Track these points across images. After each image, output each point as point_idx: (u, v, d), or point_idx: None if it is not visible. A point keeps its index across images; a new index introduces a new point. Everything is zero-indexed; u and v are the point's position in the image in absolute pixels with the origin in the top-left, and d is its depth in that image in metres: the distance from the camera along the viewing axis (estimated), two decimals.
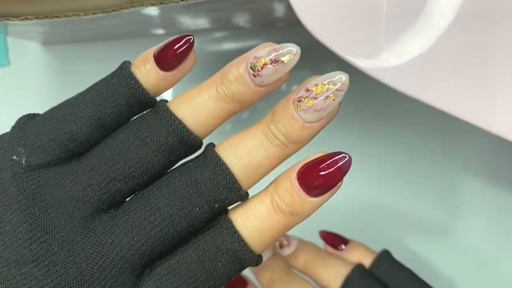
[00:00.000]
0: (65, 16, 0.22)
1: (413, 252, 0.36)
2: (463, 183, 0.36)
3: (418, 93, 0.22)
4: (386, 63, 0.22)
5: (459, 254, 0.36)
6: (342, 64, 0.22)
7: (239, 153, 0.18)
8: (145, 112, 0.20)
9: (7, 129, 0.20)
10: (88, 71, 0.37)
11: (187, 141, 0.19)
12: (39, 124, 0.19)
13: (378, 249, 0.36)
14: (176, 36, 0.19)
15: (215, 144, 0.19)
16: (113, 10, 0.22)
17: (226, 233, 0.18)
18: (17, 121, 0.20)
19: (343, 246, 0.29)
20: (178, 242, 0.19)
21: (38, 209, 0.18)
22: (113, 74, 0.20)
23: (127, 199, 0.19)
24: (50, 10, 0.22)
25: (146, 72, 0.19)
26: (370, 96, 0.36)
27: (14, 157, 0.18)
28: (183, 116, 0.19)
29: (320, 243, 0.30)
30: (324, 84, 0.18)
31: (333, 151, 0.18)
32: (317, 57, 0.36)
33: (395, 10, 0.21)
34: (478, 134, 0.36)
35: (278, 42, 0.19)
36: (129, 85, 0.19)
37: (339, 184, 0.18)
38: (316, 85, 0.18)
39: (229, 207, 0.19)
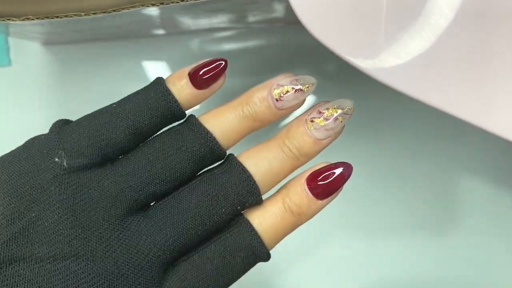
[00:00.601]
0: (65, 16, 0.22)
1: (413, 252, 0.36)
2: (463, 183, 0.36)
3: (417, 93, 0.22)
4: (385, 63, 0.22)
5: (459, 254, 0.36)
6: (342, 64, 0.22)
7: (259, 163, 0.21)
8: (177, 124, 0.22)
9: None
10: (89, 71, 0.37)
11: (215, 151, 0.21)
12: (78, 130, 0.21)
13: (378, 249, 0.36)
14: (211, 59, 0.22)
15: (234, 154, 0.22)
16: (114, 10, 0.22)
17: (245, 231, 0.21)
18: (52, 126, 0.22)
19: None
20: (202, 239, 0.21)
21: (79, 208, 0.20)
22: (149, 88, 0.22)
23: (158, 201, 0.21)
24: (51, 10, 0.22)
25: (181, 89, 0.21)
26: (370, 96, 0.36)
27: (56, 159, 0.20)
28: (212, 129, 0.21)
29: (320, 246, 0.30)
30: (334, 108, 0.21)
31: (335, 156, 0.21)
32: (317, 57, 0.36)
33: (395, 10, 0.22)
34: (478, 134, 0.36)
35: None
36: (166, 100, 0.21)
37: (341, 188, 0.21)
38: (328, 108, 0.21)
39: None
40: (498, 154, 0.36)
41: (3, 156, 0.21)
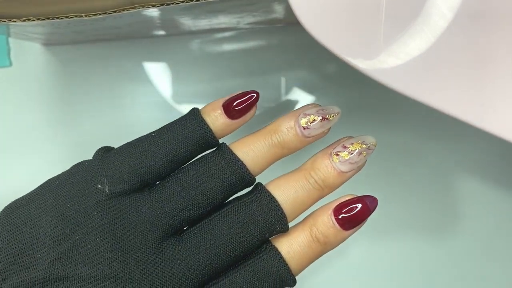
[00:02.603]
0: (66, 17, 0.23)
1: (412, 252, 0.36)
2: (462, 183, 0.36)
3: (417, 94, 0.22)
4: (385, 63, 0.22)
5: (459, 254, 0.36)
6: (341, 65, 0.22)
7: (287, 193, 0.22)
8: (210, 152, 0.23)
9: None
10: (89, 72, 0.37)
11: (245, 178, 0.22)
12: (119, 158, 0.22)
13: (378, 249, 0.36)
14: (243, 91, 0.23)
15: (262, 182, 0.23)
16: (114, 11, 0.22)
17: (273, 258, 0.22)
18: (96, 153, 0.23)
19: None
20: (232, 264, 0.22)
21: (118, 232, 0.21)
22: (186, 118, 0.23)
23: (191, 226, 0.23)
24: (52, 11, 0.22)
25: (215, 119, 0.23)
26: (369, 97, 0.36)
27: (99, 186, 0.21)
28: (243, 157, 0.22)
29: None
30: (359, 143, 0.23)
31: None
32: (317, 57, 0.36)
33: (394, 11, 0.22)
34: (477, 135, 0.36)
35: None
36: (202, 130, 0.23)
37: (366, 220, 0.22)
38: (352, 143, 0.23)
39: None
40: (498, 155, 0.36)
41: (50, 180, 0.22)
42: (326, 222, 0.22)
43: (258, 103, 0.23)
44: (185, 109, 0.37)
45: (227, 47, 0.37)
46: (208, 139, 0.23)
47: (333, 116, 0.23)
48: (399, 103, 0.36)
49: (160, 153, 0.22)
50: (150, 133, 0.23)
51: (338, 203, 0.22)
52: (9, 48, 0.37)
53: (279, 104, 0.36)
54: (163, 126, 0.23)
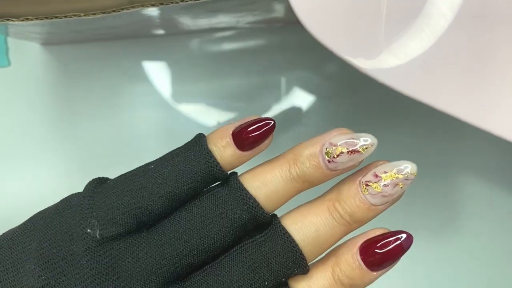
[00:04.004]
0: (65, 16, 0.22)
1: (412, 252, 0.36)
2: (463, 184, 0.36)
3: (417, 94, 0.22)
4: (385, 63, 0.22)
5: (459, 254, 0.36)
6: (342, 64, 0.22)
7: (306, 230, 0.19)
8: (217, 185, 0.20)
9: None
10: (88, 71, 0.37)
11: (258, 218, 0.19)
12: (112, 196, 0.19)
13: None
14: (257, 118, 0.20)
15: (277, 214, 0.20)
16: (113, 11, 0.22)
17: None
18: (87, 187, 0.20)
19: None
20: None
21: (112, 283, 0.18)
22: (189, 148, 0.20)
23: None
24: (50, 11, 0.22)
25: (223, 150, 0.19)
26: (369, 97, 0.36)
27: (88, 230, 0.19)
28: (255, 193, 0.19)
29: None
30: (394, 173, 0.19)
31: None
32: (317, 57, 0.36)
33: (395, 11, 0.21)
34: (478, 135, 0.36)
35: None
36: (207, 163, 0.19)
37: (398, 260, 0.19)
38: (386, 172, 0.19)
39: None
40: (498, 155, 0.36)
41: (37, 216, 0.20)
42: (350, 263, 0.19)
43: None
44: (184, 108, 0.37)
45: (227, 46, 0.37)
46: (215, 173, 0.19)
47: (366, 149, 0.19)
48: (400, 103, 0.36)
49: (159, 192, 0.19)
50: (148, 164, 0.20)
51: (365, 239, 0.19)
52: (7, 48, 0.37)
53: (279, 104, 0.36)
54: (163, 156, 0.20)
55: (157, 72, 0.37)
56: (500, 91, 0.22)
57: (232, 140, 0.19)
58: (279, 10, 0.31)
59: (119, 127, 0.37)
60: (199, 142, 0.20)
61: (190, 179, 0.19)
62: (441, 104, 0.22)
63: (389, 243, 0.19)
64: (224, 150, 0.19)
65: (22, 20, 0.23)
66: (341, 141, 0.19)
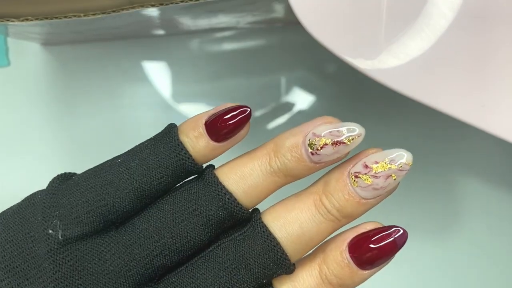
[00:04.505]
0: (65, 17, 0.22)
1: (413, 252, 0.36)
2: (463, 184, 0.36)
3: (417, 94, 0.22)
4: (385, 63, 0.22)
5: (459, 254, 0.36)
6: (342, 64, 0.22)
7: (290, 227, 0.17)
8: (191, 179, 0.19)
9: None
10: (88, 72, 0.37)
11: (236, 215, 0.18)
12: (76, 193, 0.18)
13: None
14: (231, 106, 0.18)
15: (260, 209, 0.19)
16: (113, 11, 0.22)
17: None
18: (50, 183, 0.18)
19: None
20: None
21: (77, 287, 0.17)
22: (159, 139, 0.18)
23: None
24: (50, 11, 0.22)
25: (196, 141, 0.18)
26: (369, 97, 0.36)
27: (50, 231, 0.17)
28: (232, 188, 0.18)
29: None
30: (386, 163, 0.17)
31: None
32: (317, 57, 0.36)
33: (395, 11, 0.21)
34: (478, 135, 0.36)
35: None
36: (178, 156, 0.18)
37: (391, 258, 0.17)
38: (377, 162, 0.17)
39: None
40: (498, 155, 0.36)
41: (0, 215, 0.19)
42: (339, 261, 0.17)
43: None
44: (184, 108, 0.37)
45: (227, 46, 0.37)
46: (187, 167, 0.18)
47: (352, 139, 0.17)
48: (399, 104, 0.36)
49: (126, 187, 0.17)
50: (115, 157, 0.18)
51: (355, 234, 0.17)
52: (7, 48, 0.37)
53: (279, 104, 0.36)
54: (132, 149, 0.19)
55: (157, 72, 0.37)
56: (500, 91, 0.22)
57: (205, 130, 0.18)
58: (279, 11, 0.31)
59: (119, 127, 0.37)
60: (170, 133, 0.18)
61: (159, 173, 0.18)
62: (441, 104, 0.22)
63: (382, 239, 0.17)
64: (196, 141, 0.18)
65: (22, 21, 0.23)
66: (325, 131, 0.17)
